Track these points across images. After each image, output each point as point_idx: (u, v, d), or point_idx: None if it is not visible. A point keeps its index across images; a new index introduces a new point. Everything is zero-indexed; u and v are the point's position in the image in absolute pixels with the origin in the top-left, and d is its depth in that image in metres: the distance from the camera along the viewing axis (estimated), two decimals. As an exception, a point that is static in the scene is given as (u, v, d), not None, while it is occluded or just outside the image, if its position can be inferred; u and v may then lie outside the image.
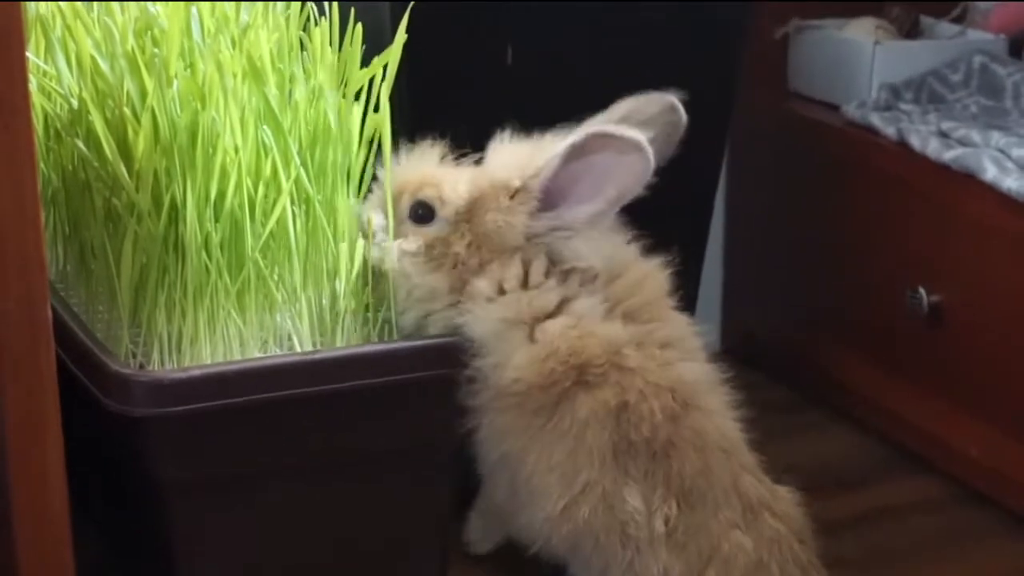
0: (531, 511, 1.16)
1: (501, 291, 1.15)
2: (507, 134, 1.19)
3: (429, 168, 1.19)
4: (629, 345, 1.14)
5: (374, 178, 1.21)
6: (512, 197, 1.15)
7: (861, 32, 1.85)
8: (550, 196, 1.15)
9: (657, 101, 1.20)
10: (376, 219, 1.18)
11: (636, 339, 1.15)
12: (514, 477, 1.16)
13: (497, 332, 1.14)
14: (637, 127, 1.15)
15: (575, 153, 1.13)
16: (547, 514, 1.15)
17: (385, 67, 1.18)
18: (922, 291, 1.67)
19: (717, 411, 1.17)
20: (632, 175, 1.12)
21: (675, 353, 1.16)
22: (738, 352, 1.94)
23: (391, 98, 1.18)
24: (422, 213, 1.17)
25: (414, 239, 1.16)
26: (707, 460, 1.14)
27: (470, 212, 1.16)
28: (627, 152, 1.11)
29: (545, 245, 1.16)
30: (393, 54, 1.18)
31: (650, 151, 1.10)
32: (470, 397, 1.15)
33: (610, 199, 1.13)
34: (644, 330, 1.15)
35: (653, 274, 1.18)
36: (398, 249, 1.16)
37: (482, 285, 1.15)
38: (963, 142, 1.65)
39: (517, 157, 1.17)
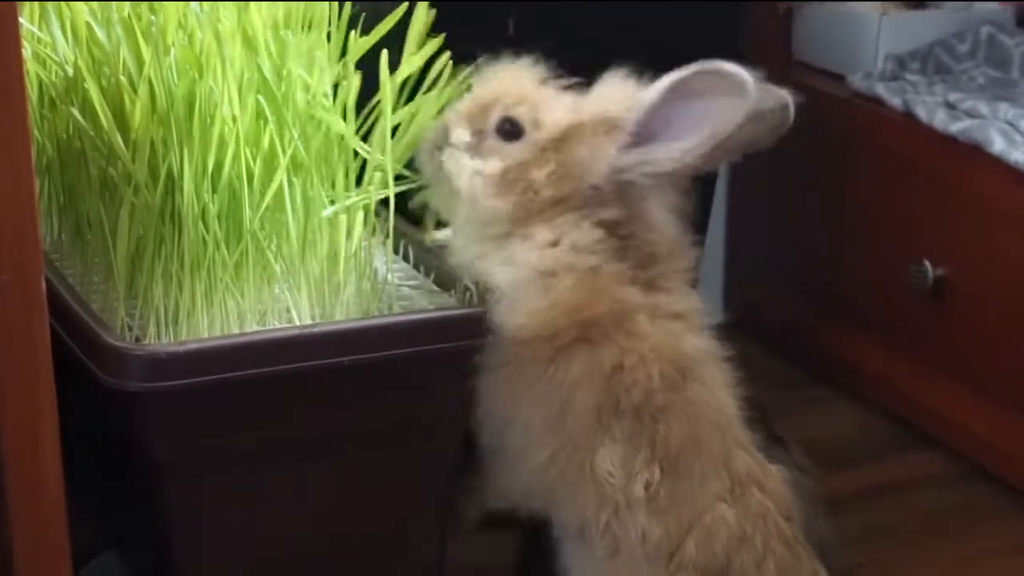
0: (517, 463, 1.15)
1: (555, 245, 1.14)
2: (621, 70, 1.16)
3: (529, 85, 1.17)
4: (643, 311, 1.13)
5: (468, 88, 1.18)
6: (607, 130, 1.13)
7: (867, 2, 1.83)
8: (644, 132, 1.13)
9: (774, 95, 1.17)
10: (458, 133, 1.16)
11: (651, 307, 1.14)
12: (504, 428, 1.15)
13: (520, 281, 1.13)
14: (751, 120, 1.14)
15: (677, 89, 1.11)
16: (532, 466, 1.14)
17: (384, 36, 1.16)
18: (927, 264, 1.66)
19: (717, 385, 1.16)
20: (729, 115, 1.10)
21: (683, 326, 1.15)
22: (741, 327, 1.93)
23: (391, 68, 1.17)
24: (509, 129, 1.15)
25: (493, 162, 1.14)
26: (698, 431, 1.13)
27: (561, 141, 1.14)
28: (730, 91, 1.09)
29: (625, 186, 1.13)
30: (392, 22, 1.16)
31: (753, 92, 1.09)
32: (480, 356, 1.13)
33: (703, 139, 1.11)
34: (660, 299, 1.15)
35: (684, 247, 1.17)
36: (471, 169, 1.15)
37: (545, 235, 1.14)
38: (970, 114, 1.64)
39: (622, 91, 1.15)
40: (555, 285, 1.12)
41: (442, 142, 1.17)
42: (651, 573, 1.13)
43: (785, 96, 1.16)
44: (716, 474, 1.14)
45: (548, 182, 1.13)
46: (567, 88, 1.18)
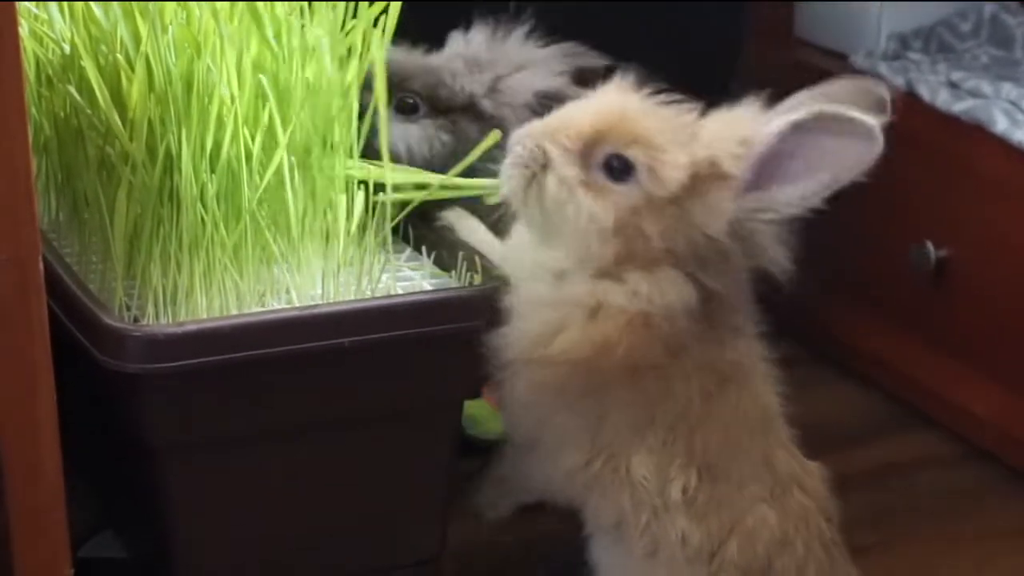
0: (555, 461, 1.14)
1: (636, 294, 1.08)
2: (733, 104, 1.10)
3: (639, 120, 1.08)
4: (692, 336, 1.09)
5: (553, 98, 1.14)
6: (721, 181, 1.06)
7: (870, -20, 1.82)
8: (759, 177, 1.06)
9: (871, 92, 1.10)
10: (567, 167, 1.07)
11: (700, 330, 1.09)
12: (538, 428, 1.13)
13: (562, 301, 1.09)
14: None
15: (796, 131, 1.04)
16: (568, 468, 1.13)
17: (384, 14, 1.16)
18: (929, 245, 1.65)
19: (759, 386, 1.14)
20: (854, 161, 1.04)
21: (727, 333, 1.12)
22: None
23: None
24: (619, 167, 1.07)
25: (607, 208, 1.07)
26: (738, 435, 1.11)
27: (679, 198, 1.06)
28: (855, 136, 1.03)
29: (747, 233, 1.07)
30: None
31: (881, 139, 1.03)
32: (499, 354, 1.11)
33: (823, 183, 1.05)
34: (710, 312, 1.10)
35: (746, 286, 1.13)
36: (588, 209, 1.07)
37: (644, 288, 1.07)
38: (973, 93, 1.63)
39: (734, 132, 1.07)
40: (600, 322, 1.08)
41: (540, 163, 1.08)
42: (692, 573, 1.12)
43: (883, 92, 1.10)
44: (756, 476, 1.12)
45: (662, 239, 1.06)
46: (672, 105, 1.10)
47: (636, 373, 1.08)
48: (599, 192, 1.07)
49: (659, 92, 1.10)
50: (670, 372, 1.09)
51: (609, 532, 1.15)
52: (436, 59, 1.29)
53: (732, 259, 1.08)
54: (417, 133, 1.26)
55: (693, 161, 1.06)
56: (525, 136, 1.10)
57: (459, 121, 1.26)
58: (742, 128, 1.07)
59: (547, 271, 1.11)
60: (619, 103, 1.10)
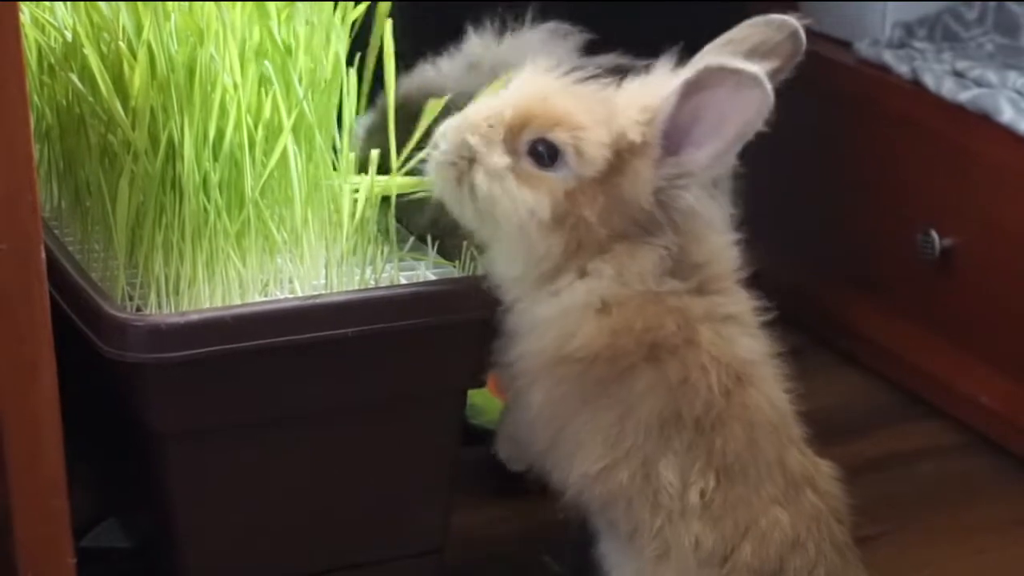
0: (570, 465, 1.12)
1: (620, 276, 1.07)
2: (644, 71, 1.09)
3: (561, 100, 1.06)
4: (702, 320, 1.08)
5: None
6: (639, 151, 1.05)
7: (875, -33, 1.82)
8: (671, 140, 1.05)
9: (780, 27, 1.10)
10: (496, 156, 1.06)
11: (707, 313, 1.09)
12: (558, 433, 1.11)
13: (572, 309, 1.07)
14: (761, 57, 1.08)
15: (690, 90, 1.03)
16: (585, 471, 1.11)
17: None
18: (934, 234, 1.65)
19: (769, 384, 1.13)
20: (751, 111, 1.02)
21: (736, 328, 1.11)
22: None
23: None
24: (545, 153, 1.05)
25: (543, 197, 1.05)
26: (754, 435, 1.10)
27: (606, 175, 1.05)
28: (745, 87, 1.01)
29: (666, 199, 1.06)
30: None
31: (768, 85, 1.01)
32: (512, 364, 1.10)
33: (729, 139, 1.04)
34: (713, 302, 1.10)
35: (729, 246, 1.13)
36: (523, 202, 1.06)
37: (604, 269, 1.07)
38: (979, 82, 1.62)
39: (642, 101, 1.06)
40: (614, 311, 1.07)
41: (465, 157, 1.07)
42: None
43: (792, 23, 1.10)
44: (771, 477, 1.11)
45: (600, 220, 1.06)
46: (592, 81, 1.09)
47: (655, 356, 1.07)
48: (531, 182, 1.06)
49: (576, 69, 1.09)
50: (687, 360, 1.07)
51: (625, 539, 1.13)
52: (439, 79, 1.23)
53: (675, 226, 1.07)
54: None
55: (612, 137, 1.05)
56: (445, 132, 1.08)
57: None
58: (646, 95, 1.07)
59: (536, 289, 1.09)
60: (538, 86, 1.08)
